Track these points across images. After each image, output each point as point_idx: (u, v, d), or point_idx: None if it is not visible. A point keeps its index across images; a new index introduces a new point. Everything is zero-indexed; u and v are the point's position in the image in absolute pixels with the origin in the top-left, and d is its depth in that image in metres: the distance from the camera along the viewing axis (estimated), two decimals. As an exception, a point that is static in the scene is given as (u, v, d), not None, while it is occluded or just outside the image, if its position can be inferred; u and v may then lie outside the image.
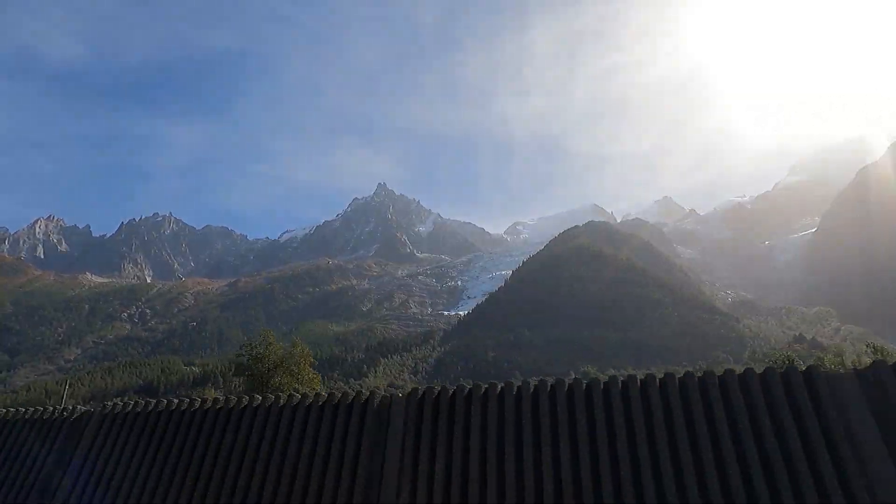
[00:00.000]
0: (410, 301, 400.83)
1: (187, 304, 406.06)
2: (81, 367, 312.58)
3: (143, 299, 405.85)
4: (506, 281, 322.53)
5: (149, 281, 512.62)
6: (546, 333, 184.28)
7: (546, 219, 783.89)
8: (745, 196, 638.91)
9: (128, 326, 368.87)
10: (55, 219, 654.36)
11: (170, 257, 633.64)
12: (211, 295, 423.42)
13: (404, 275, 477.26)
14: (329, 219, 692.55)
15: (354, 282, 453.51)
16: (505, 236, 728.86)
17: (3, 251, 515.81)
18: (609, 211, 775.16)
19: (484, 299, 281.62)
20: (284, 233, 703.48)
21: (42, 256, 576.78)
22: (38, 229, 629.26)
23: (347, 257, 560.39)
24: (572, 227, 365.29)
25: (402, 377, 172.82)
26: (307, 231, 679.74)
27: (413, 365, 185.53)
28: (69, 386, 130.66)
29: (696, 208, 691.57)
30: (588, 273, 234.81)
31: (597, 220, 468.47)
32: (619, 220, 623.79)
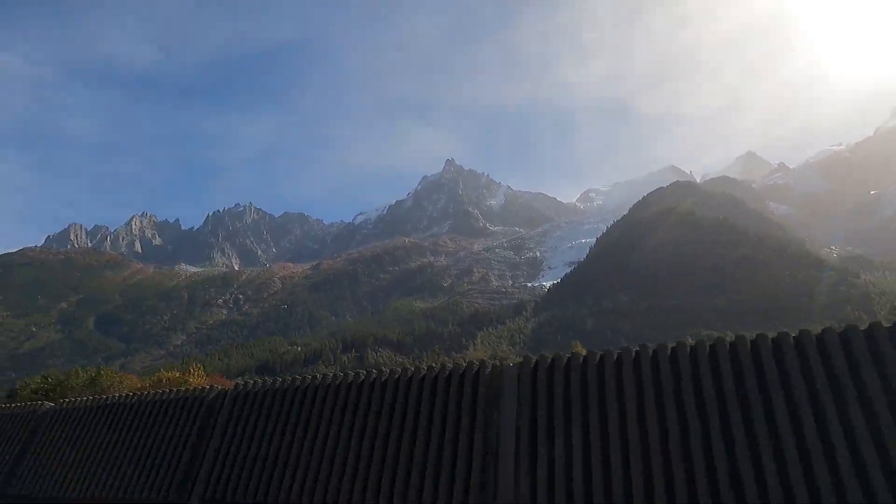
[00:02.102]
0: (490, 275, 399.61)
1: (276, 289, 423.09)
2: (188, 351, 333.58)
3: (235, 286, 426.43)
4: (590, 249, 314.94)
5: (237, 268, 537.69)
6: (646, 300, 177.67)
7: (620, 184, 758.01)
8: (841, 144, 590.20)
9: (224, 312, 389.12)
10: (148, 215, 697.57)
11: (253, 245, 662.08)
12: (297, 279, 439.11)
13: (480, 249, 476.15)
14: (400, 198, 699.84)
15: (432, 259, 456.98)
16: (578, 204, 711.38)
17: (106, 248, 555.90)
18: (688, 171, 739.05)
19: (571, 268, 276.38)
20: (358, 215, 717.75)
21: (140, 251, 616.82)
22: (134, 226, 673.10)
23: (422, 235, 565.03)
24: (656, 190, 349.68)
25: (501, 348, 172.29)
26: (380, 212, 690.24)
27: (510, 336, 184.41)
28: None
29: (785, 161, 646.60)
30: (682, 235, 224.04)
31: (676, 181, 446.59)
32: (699, 180, 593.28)
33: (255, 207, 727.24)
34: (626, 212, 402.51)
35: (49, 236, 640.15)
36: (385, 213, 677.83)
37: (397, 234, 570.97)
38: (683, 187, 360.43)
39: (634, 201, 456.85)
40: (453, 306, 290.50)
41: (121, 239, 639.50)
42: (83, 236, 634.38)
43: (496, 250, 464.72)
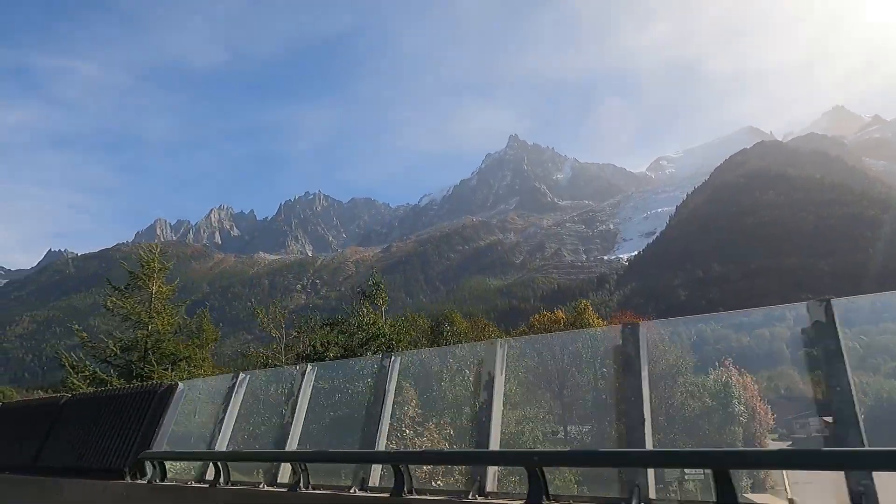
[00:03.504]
0: (563, 249, 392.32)
1: (350, 272, 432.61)
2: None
3: (311, 271, 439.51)
4: (669, 218, 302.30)
5: (310, 254, 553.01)
6: (741, 266, 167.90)
7: (693, 150, 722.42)
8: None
9: (303, 296, 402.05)
10: (225, 207, 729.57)
11: (324, 231, 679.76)
12: (369, 262, 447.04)
13: (550, 224, 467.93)
14: (465, 178, 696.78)
15: (501, 236, 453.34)
16: (648, 174, 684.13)
17: (189, 240, 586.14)
18: (767, 131, 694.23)
19: (652, 239, 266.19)
20: (423, 196, 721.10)
21: (220, 242, 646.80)
22: (213, 218, 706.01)
23: (489, 213, 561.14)
24: (739, 152, 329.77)
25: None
26: (445, 192, 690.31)
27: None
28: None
29: (880, 114, 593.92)
30: (775, 197, 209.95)
31: (755, 142, 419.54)
32: (781, 139, 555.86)
33: (324, 195, 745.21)
34: (703, 177, 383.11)
35: (138, 232, 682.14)
36: (450, 193, 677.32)
37: (463, 214, 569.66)
38: (768, 147, 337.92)
39: (711, 166, 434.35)
40: (529, 282, 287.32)
41: (202, 231, 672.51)
42: (168, 230, 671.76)
43: (567, 225, 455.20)
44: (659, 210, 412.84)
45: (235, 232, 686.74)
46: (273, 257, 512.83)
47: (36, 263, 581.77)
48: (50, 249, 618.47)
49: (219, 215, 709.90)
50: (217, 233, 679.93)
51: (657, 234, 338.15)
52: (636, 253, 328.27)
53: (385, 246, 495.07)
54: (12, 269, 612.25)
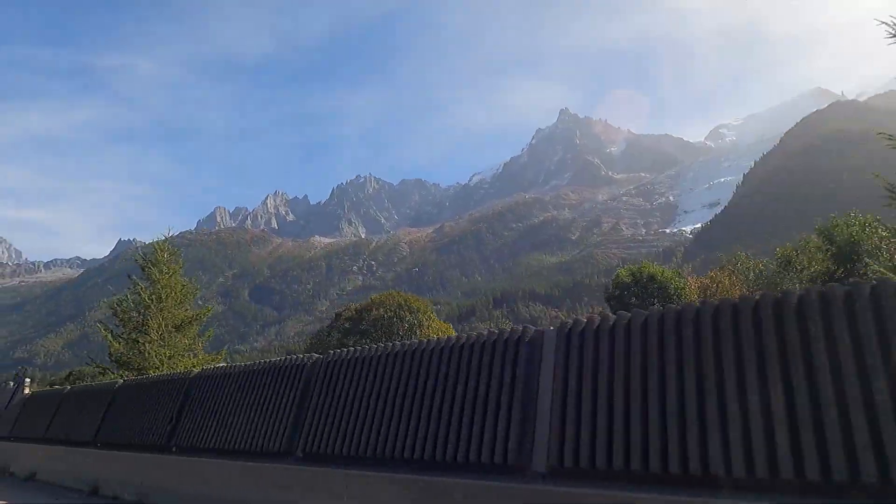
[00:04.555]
0: (621, 224, 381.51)
1: (404, 253, 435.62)
2: (333, 315, 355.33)
3: (366, 253, 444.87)
4: (737, 186, 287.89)
5: (363, 237, 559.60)
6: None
7: (755, 116, 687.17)
8: None
9: (360, 278, 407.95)
10: (280, 193, 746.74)
11: (376, 213, 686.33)
12: (422, 242, 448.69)
13: (606, 199, 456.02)
14: (515, 155, 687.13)
15: (555, 212, 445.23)
16: (708, 143, 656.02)
17: (247, 226, 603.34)
18: (838, 91, 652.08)
19: (716, 210, 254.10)
20: (474, 175, 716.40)
21: (276, 227, 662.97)
22: (268, 204, 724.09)
23: (541, 189, 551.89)
24: (812, 114, 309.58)
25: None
26: (495, 170, 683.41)
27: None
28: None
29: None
30: (860, 160, 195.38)
31: (826, 103, 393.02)
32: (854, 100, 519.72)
33: (375, 177, 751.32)
34: (768, 144, 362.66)
35: (199, 220, 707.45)
36: (501, 170, 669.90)
37: (515, 191, 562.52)
38: (845, 107, 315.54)
39: (776, 132, 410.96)
40: (588, 258, 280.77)
41: (259, 217, 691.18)
42: (227, 217, 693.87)
43: (623, 198, 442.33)
44: (722, 180, 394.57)
45: (290, 217, 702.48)
46: (328, 240, 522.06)
47: (108, 253, 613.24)
48: (120, 239, 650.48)
49: (274, 201, 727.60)
50: (273, 218, 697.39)
51: (722, 204, 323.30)
52: (700, 225, 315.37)
53: (437, 226, 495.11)
54: (88, 259, 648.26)
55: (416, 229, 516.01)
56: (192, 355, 21.14)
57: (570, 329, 4.55)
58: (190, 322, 21.71)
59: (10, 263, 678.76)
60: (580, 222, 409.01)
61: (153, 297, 21.19)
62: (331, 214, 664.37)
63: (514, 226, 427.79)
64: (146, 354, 19.93)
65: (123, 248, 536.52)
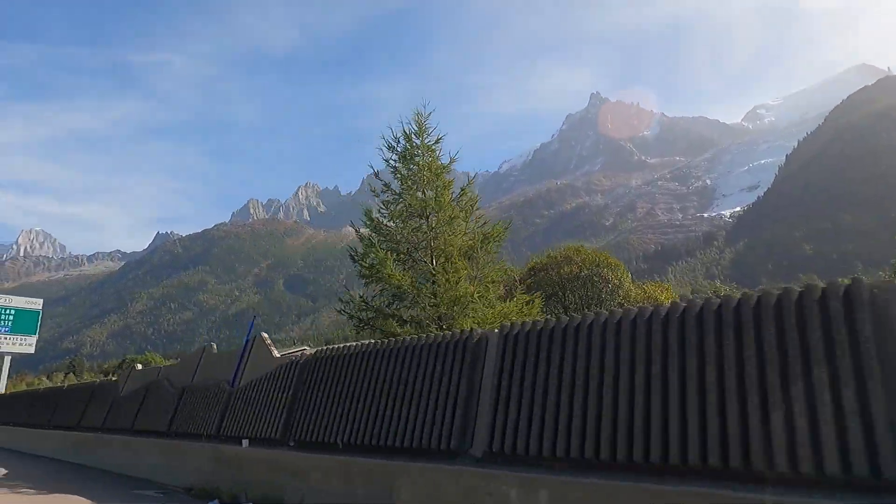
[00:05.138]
0: (656, 209, 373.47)
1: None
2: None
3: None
4: (778, 168, 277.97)
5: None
6: (879, 215, 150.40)
7: (794, 95, 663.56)
8: None
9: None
10: (312, 184, 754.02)
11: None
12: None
13: (640, 183, 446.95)
14: (545, 141, 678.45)
15: (587, 198, 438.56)
16: (745, 124, 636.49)
17: (280, 218, 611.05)
18: (884, 67, 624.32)
19: (756, 192, 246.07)
20: (503, 163, 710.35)
21: (308, 218, 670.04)
22: (300, 196, 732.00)
23: (573, 176, 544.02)
24: (859, 91, 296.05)
25: (699, 282, 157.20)
26: (525, 157, 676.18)
27: (705, 269, 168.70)
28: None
29: None
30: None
31: (872, 80, 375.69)
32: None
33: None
34: (809, 124, 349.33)
35: (234, 212, 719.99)
36: (530, 157, 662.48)
37: (546, 178, 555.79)
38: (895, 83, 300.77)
39: (818, 111, 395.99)
40: (624, 244, 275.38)
41: (291, 208, 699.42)
42: (260, 209, 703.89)
43: (658, 183, 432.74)
44: (762, 161, 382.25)
45: (322, 208, 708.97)
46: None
47: (147, 246, 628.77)
48: (158, 232, 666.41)
49: (306, 193, 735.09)
50: (305, 209, 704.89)
51: (762, 187, 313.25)
52: (741, 208, 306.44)
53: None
54: (128, 252, 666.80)
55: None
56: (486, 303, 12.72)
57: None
58: (485, 242, 13.60)
59: (55, 258, 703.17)
60: (613, 208, 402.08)
61: (435, 195, 13.50)
62: (362, 204, 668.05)
63: (545, 213, 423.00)
64: (436, 292, 12.34)
65: (161, 242, 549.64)
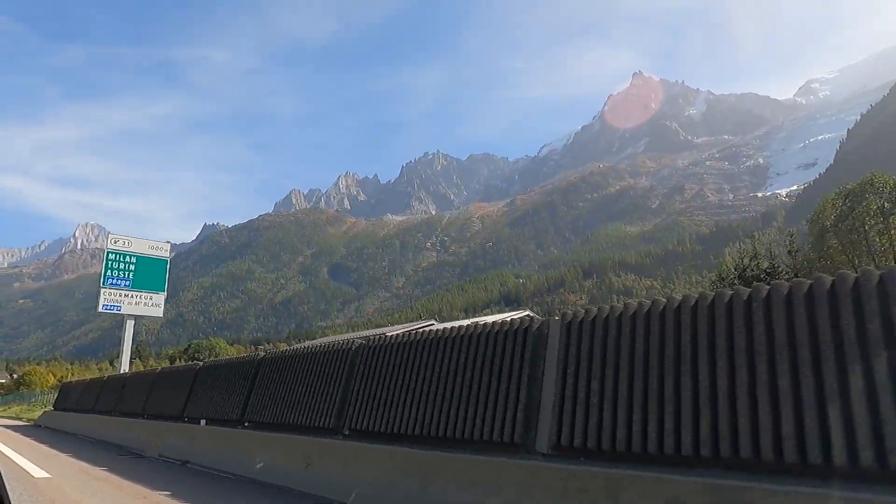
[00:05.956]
0: (705, 189, 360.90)
1: (477, 228, 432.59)
2: (410, 291, 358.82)
3: (439, 229, 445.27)
4: (840, 143, 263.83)
5: (434, 213, 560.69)
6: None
7: (851, 67, 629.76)
8: None
9: (434, 254, 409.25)
10: (351, 174, 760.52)
11: (445, 189, 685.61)
12: (495, 216, 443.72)
13: (686, 164, 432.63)
14: (586, 123, 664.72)
15: (632, 181, 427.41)
16: (798, 99, 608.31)
17: (321, 207, 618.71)
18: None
19: (825, 169, 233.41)
20: (543, 147, 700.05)
21: (349, 207, 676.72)
22: (341, 185, 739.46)
23: (616, 158, 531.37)
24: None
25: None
26: (566, 141, 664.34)
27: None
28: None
29: None
30: None
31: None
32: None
33: (443, 154, 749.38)
34: (870, 96, 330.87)
35: (276, 202, 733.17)
36: (571, 140, 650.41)
37: (588, 161, 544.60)
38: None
39: (879, 83, 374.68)
40: (674, 226, 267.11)
41: (332, 198, 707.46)
42: (302, 199, 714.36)
43: (706, 163, 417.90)
44: (820, 137, 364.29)
45: (362, 197, 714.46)
46: (400, 218, 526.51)
47: (195, 237, 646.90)
48: (205, 224, 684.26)
49: (346, 182, 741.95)
50: (345, 199, 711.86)
51: (821, 163, 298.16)
52: (796, 187, 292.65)
53: (508, 200, 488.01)
54: (177, 244, 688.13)
55: (487, 204, 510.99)
56: None
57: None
58: None
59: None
60: (659, 190, 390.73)
61: None
62: (401, 193, 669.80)
63: (588, 196, 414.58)
64: None
65: (208, 232, 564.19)
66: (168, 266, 26.84)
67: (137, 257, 25.38)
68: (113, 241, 25.62)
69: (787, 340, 3.19)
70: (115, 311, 24.91)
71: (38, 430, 19.55)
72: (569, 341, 4.55)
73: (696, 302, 3.75)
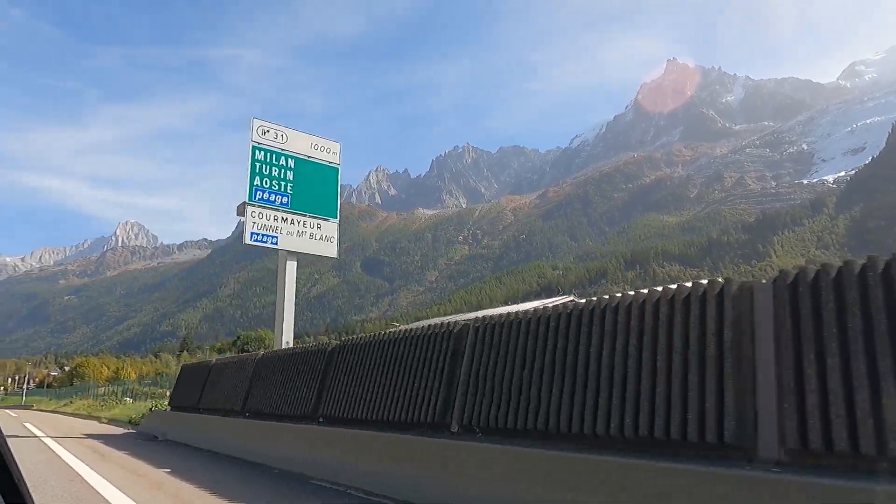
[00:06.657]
0: (746, 178, 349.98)
1: (509, 221, 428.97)
2: (444, 285, 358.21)
3: (470, 222, 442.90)
4: (893, 126, 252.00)
5: (464, 206, 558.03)
6: None
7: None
8: None
9: (466, 248, 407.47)
10: (382, 168, 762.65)
11: (476, 182, 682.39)
12: (527, 209, 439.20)
13: (725, 152, 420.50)
14: (619, 113, 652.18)
15: (668, 170, 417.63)
16: (842, 83, 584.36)
17: (353, 202, 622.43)
18: None
19: (876, 154, 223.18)
20: (574, 138, 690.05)
21: (380, 201, 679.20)
22: (371, 180, 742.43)
23: (650, 147, 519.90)
24: None
25: (810, 253, 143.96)
26: (598, 131, 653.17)
27: (816, 238, 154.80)
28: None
29: None
30: None
31: None
32: None
33: (472, 147, 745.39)
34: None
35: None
36: (604, 130, 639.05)
37: (621, 151, 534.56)
38: None
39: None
40: (715, 215, 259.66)
41: (363, 193, 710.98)
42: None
43: (746, 150, 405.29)
44: (868, 121, 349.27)
45: (393, 191, 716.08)
46: (431, 212, 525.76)
47: (231, 233, 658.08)
48: (241, 220, 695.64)
49: (376, 177, 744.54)
50: (376, 193, 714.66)
51: (870, 148, 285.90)
52: (843, 173, 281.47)
53: (540, 191, 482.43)
54: (213, 240, 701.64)
55: (519, 196, 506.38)
56: None
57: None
58: None
59: (149, 247, 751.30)
60: (697, 179, 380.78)
61: None
62: (431, 186, 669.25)
63: (623, 187, 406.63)
64: None
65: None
66: (339, 178, 17.20)
67: (297, 160, 16.09)
68: (261, 130, 15.76)
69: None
70: (269, 245, 15.53)
71: (165, 449, 11.39)
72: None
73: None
